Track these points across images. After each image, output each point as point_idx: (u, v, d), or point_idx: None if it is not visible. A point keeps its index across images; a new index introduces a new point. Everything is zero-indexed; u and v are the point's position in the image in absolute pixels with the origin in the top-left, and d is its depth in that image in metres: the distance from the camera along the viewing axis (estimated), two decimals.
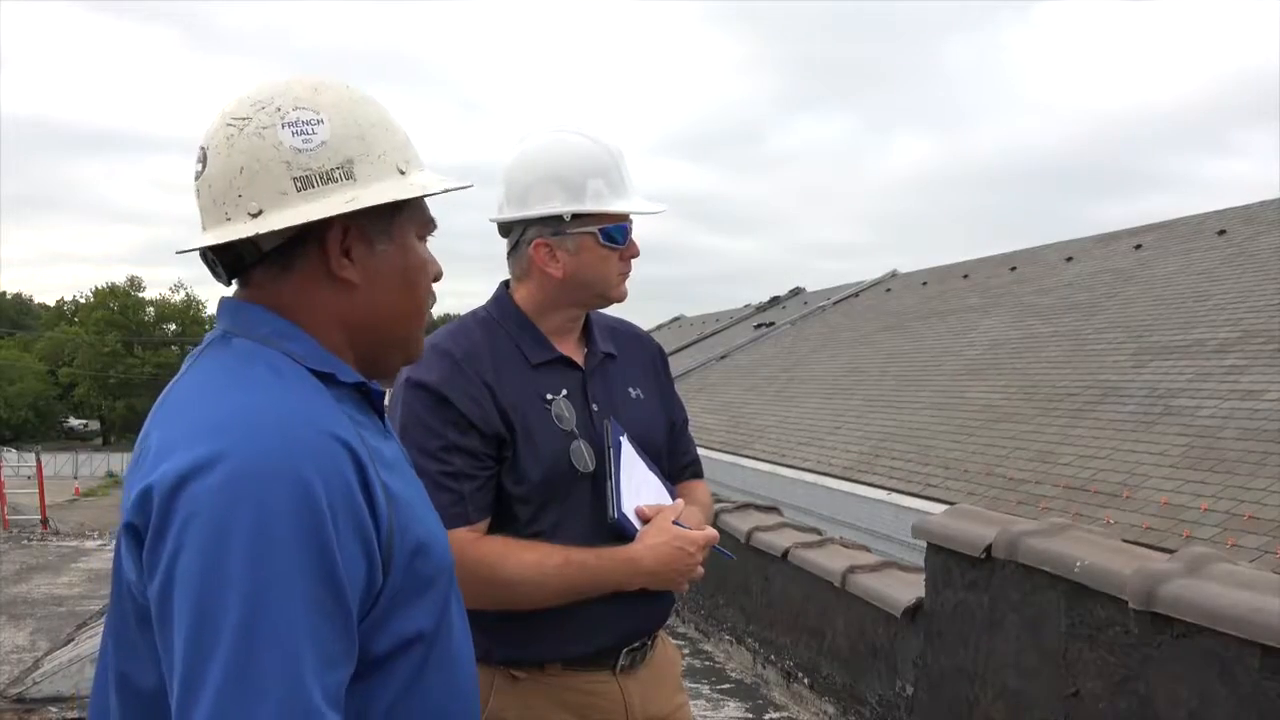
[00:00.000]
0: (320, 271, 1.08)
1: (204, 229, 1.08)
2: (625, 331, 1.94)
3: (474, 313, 1.82)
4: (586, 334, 1.84)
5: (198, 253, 1.11)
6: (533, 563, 1.61)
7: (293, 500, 0.91)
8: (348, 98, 1.09)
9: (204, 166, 1.07)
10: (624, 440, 1.75)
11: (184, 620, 0.88)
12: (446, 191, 1.14)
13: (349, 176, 1.06)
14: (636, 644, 1.75)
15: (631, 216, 1.76)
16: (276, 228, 1.03)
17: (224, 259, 1.09)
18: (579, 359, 1.79)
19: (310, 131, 1.05)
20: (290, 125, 1.04)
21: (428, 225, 1.16)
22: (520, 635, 1.66)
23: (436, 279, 1.19)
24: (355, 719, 0.98)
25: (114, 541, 1.06)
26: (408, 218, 1.12)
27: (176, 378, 1.07)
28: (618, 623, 1.72)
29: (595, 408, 1.76)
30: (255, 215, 1.04)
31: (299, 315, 1.08)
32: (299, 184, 1.04)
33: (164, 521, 0.91)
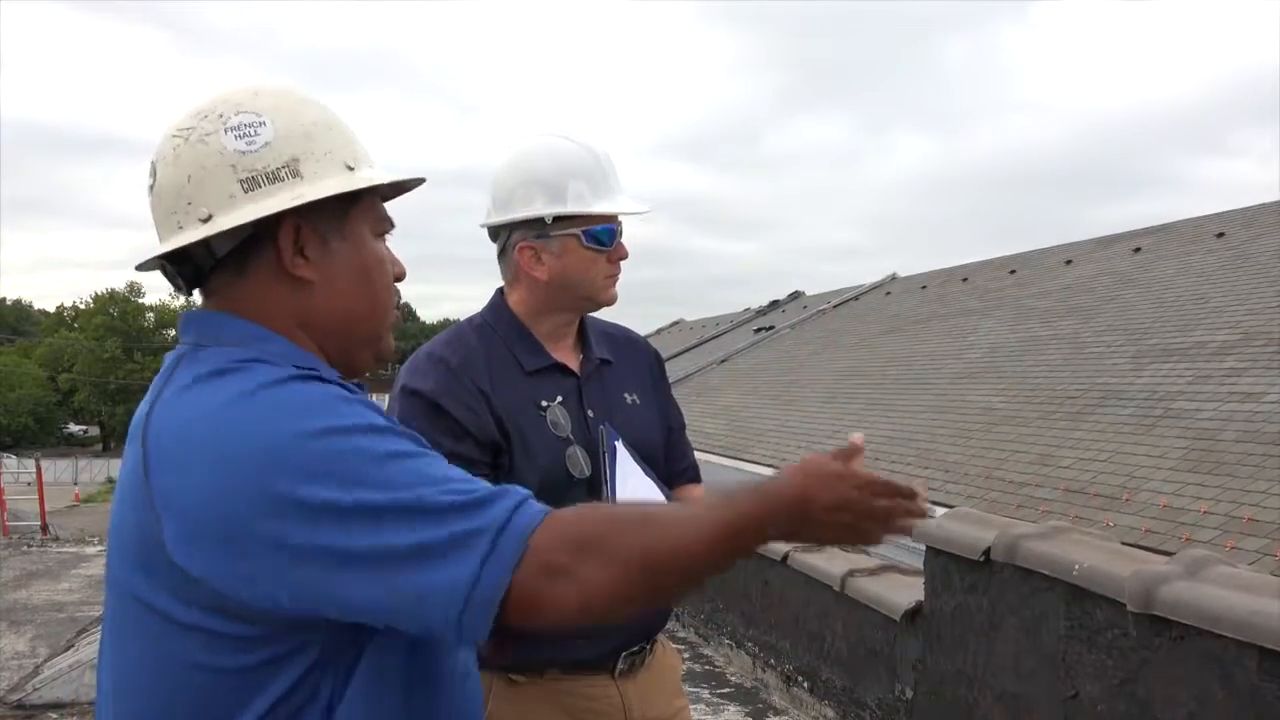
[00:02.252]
0: (276, 271, 1.08)
1: (160, 242, 1.09)
2: (621, 337, 1.94)
3: (470, 320, 1.82)
4: (582, 340, 1.84)
5: (144, 262, 1.11)
6: None
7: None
8: (289, 99, 1.10)
9: (154, 180, 1.08)
10: (619, 445, 1.75)
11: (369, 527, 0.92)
12: (395, 182, 1.14)
13: (295, 174, 1.06)
14: (635, 648, 1.75)
15: (621, 219, 1.76)
16: (226, 228, 1.04)
17: (183, 270, 1.10)
18: (574, 365, 1.79)
19: (253, 133, 1.05)
20: (233, 129, 1.05)
21: (383, 223, 1.16)
22: (515, 645, 1.65)
23: (399, 278, 1.19)
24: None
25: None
26: (361, 215, 1.12)
27: (150, 400, 1.05)
28: (616, 627, 1.72)
29: (591, 414, 1.76)
30: (205, 220, 1.04)
31: (261, 319, 1.08)
32: (245, 185, 1.04)
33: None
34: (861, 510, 1.05)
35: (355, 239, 1.12)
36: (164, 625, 0.97)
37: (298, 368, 1.04)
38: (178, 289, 1.12)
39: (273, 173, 1.05)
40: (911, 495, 1.08)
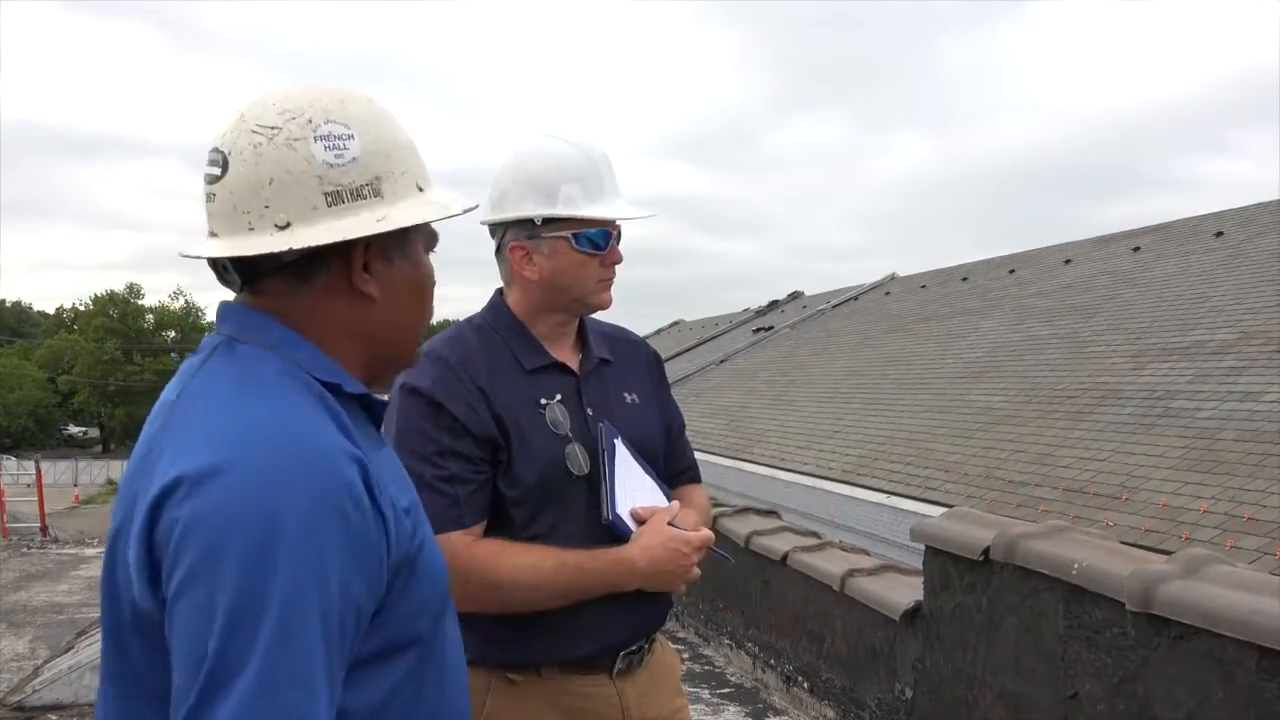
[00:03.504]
0: (340, 285, 1.08)
1: (215, 234, 1.07)
2: (621, 337, 1.95)
3: (469, 319, 1.83)
4: (582, 339, 1.85)
5: (204, 258, 1.10)
6: (528, 565, 1.62)
7: (300, 513, 0.92)
8: (373, 112, 1.10)
9: (223, 171, 1.06)
10: (619, 443, 1.75)
11: (189, 640, 0.89)
12: (466, 212, 1.16)
13: (377, 194, 1.07)
14: (634, 647, 1.76)
15: (619, 222, 1.76)
16: (310, 244, 1.03)
17: (238, 266, 1.09)
18: (574, 364, 1.80)
19: (342, 147, 1.05)
20: (323, 139, 1.04)
21: (433, 239, 1.18)
22: (516, 637, 1.67)
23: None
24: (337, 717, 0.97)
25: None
26: (418, 233, 1.14)
27: (180, 383, 1.07)
28: (614, 625, 1.72)
29: (590, 412, 1.76)
30: (283, 227, 1.03)
31: (310, 325, 1.08)
32: (330, 199, 1.04)
33: (168, 532, 0.92)
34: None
35: (414, 256, 1.14)
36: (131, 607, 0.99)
37: (320, 381, 1.05)
38: (225, 282, 1.11)
39: (357, 190, 1.06)
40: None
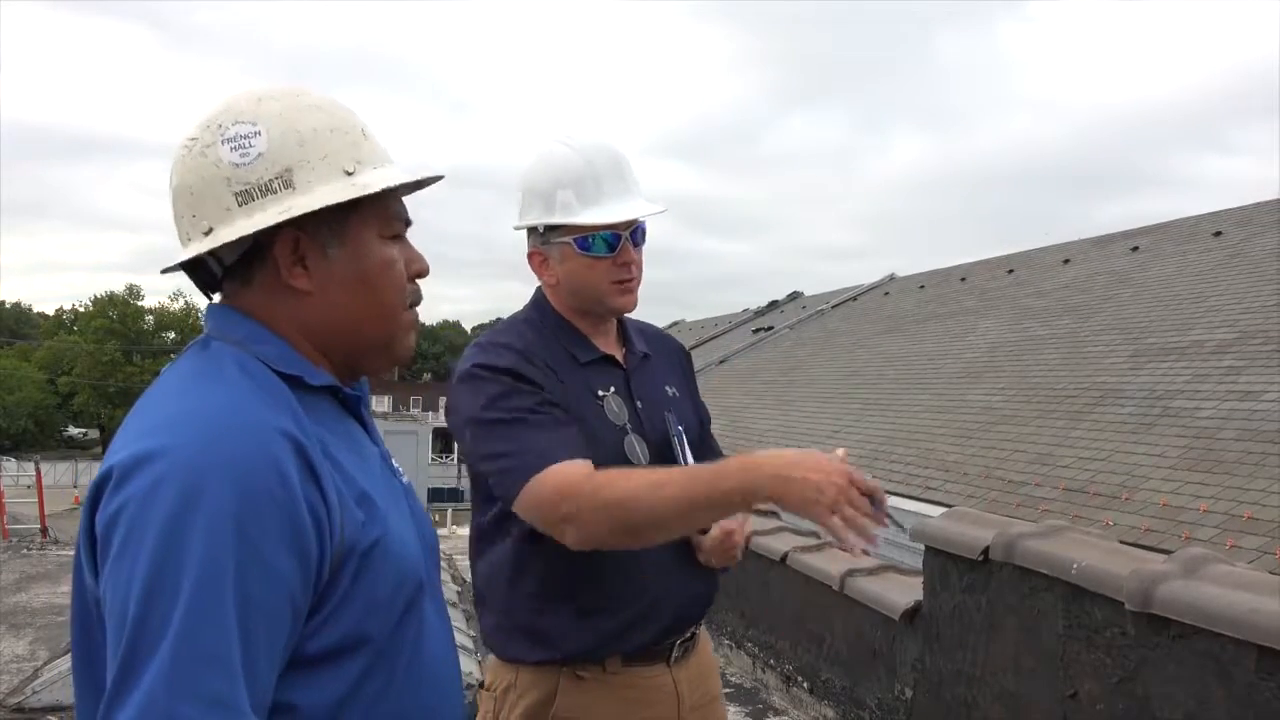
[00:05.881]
0: (276, 281, 1.08)
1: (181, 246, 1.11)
2: (653, 333, 1.99)
3: (516, 316, 1.86)
4: (623, 334, 1.88)
5: (160, 273, 1.15)
6: (658, 479, 1.54)
7: (220, 490, 0.91)
8: (292, 105, 1.08)
9: (170, 188, 1.10)
10: (682, 431, 1.81)
11: (113, 619, 0.90)
12: (390, 189, 1.10)
13: (288, 185, 1.06)
14: (686, 635, 1.81)
15: (643, 221, 1.77)
16: (220, 244, 1.04)
17: (198, 274, 1.12)
18: (619, 357, 1.83)
19: (247, 145, 1.05)
20: (229, 141, 1.05)
21: (394, 223, 1.14)
22: (578, 630, 1.69)
23: (420, 275, 1.17)
24: (285, 714, 0.96)
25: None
26: (363, 219, 1.10)
27: (154, 381, 1.10)
28: (664, 608, 1.75)
29: (639, 404, 1.80)
30: (207, 233, 1.05)
31: (271, 322, 1.10)
32: (240, 199, 1.05)
33: (102, 517, 0.93)
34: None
35: (356, 245, 1.10)
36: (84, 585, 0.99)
37: (281, 373, 1.05)
38: (202, 292, 1.14)
39: (265, 185, 1.05)
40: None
